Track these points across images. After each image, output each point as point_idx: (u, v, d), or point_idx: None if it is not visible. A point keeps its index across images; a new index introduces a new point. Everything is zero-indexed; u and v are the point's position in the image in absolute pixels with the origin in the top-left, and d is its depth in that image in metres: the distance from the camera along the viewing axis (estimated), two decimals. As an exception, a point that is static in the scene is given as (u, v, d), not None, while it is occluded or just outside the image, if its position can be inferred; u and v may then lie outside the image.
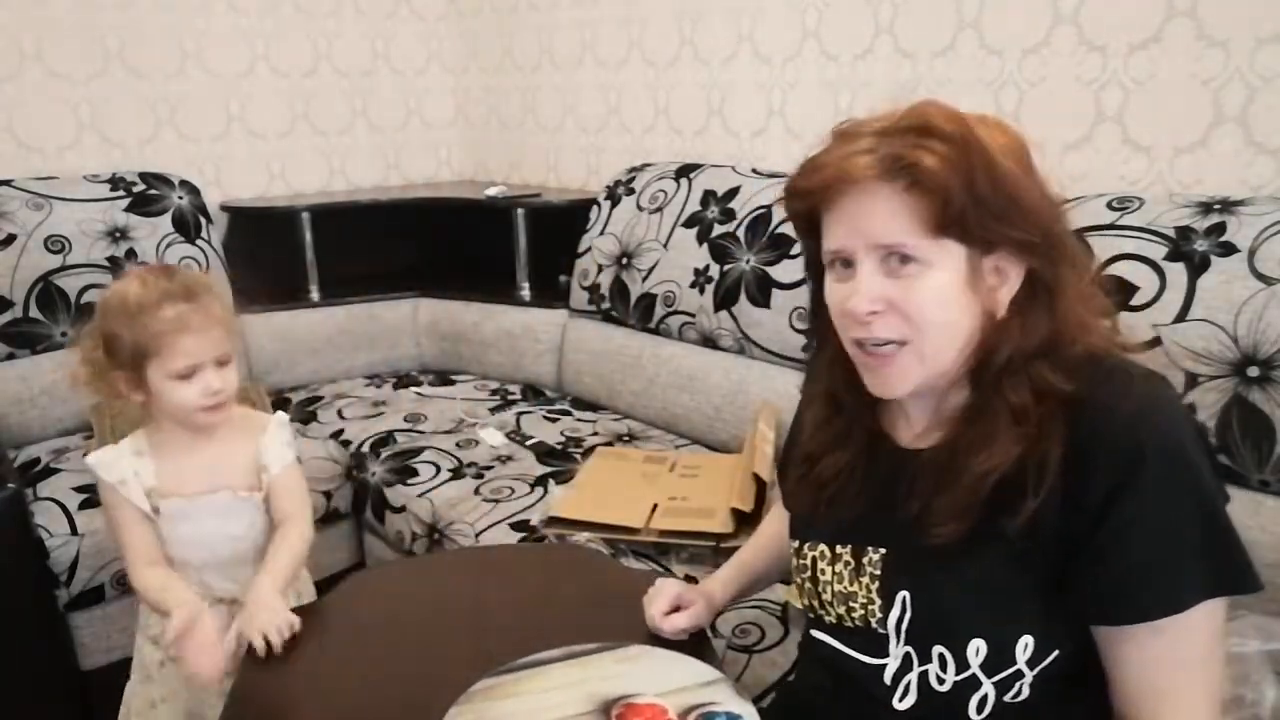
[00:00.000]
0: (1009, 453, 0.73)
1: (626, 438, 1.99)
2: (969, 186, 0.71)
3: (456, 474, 1.83)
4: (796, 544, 0.91)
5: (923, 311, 0.74)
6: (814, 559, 0.88)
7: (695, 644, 1.01)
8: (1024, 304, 0.75)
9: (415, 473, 1.85)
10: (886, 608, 0.80)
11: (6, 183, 2.07)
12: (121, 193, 2.19)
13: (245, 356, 2.33)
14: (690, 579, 1.40)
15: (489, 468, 1.84)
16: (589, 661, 0.95)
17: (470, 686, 0.90)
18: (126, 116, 2.37)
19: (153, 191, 2.24)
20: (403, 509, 1.79)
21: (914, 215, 0.72)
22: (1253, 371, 1.17)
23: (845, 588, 0.84)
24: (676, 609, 1.03)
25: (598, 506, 1.57)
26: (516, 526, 1.60)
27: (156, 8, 2.37)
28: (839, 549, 0.85)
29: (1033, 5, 1.61)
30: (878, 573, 0.81)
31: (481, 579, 1.24)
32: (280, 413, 1.35)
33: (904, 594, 0.79)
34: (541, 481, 1.76)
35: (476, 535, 1.61)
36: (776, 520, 1.13)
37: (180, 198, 2.28)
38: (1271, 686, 0.94)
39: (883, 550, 0.82)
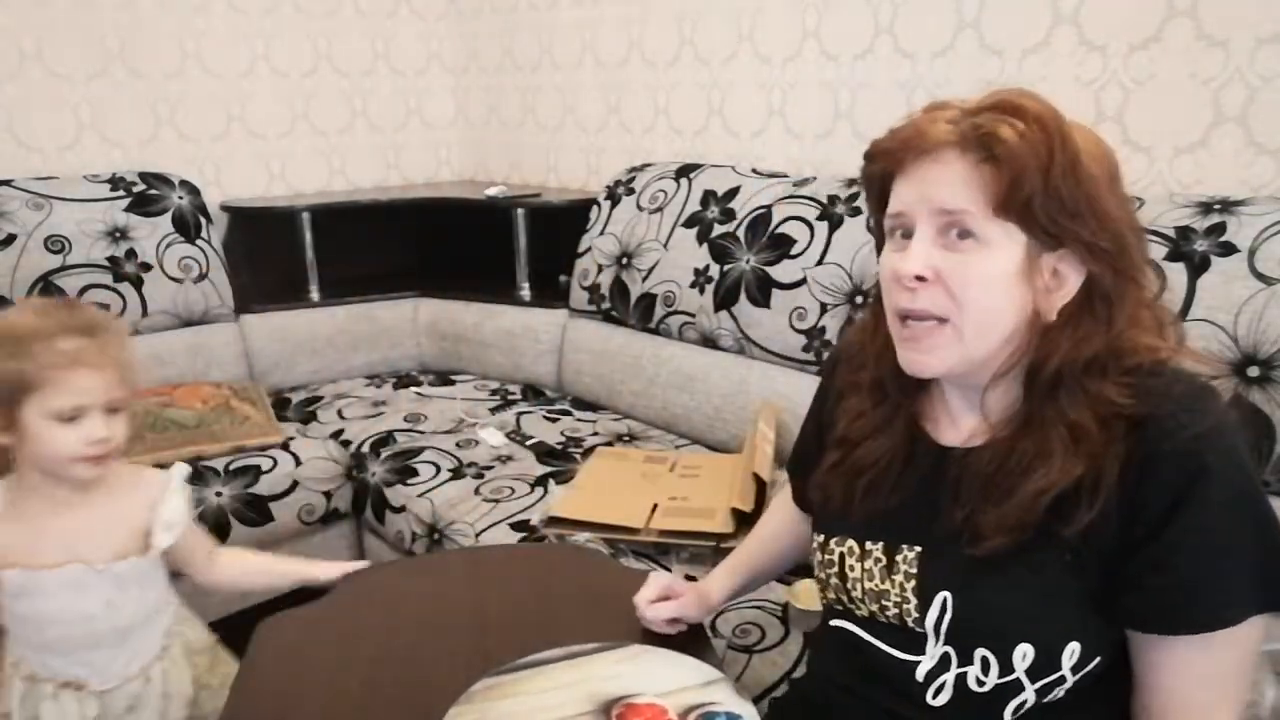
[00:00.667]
0: (1068, 473, 0.71)
1: (626, 438, 1.99)
2: (1045, 172, 0.70)
3: (456, 474, 1.83)
4: (821, 538, 0.89)
5: (968, 289, 0.73)
6: (841, 555, 0.86)
7: (695, 644, 1.01)
8: (1077, 313, 0.73)
9: (415, 473, 1.85)
10: (924, 607, 0.79)
11: (6, 183, 2.07)
12: (121, 193, 2.19)
13: (245, 357, 2.34)
14: (690, 579, 1.40)
15: (489, 468, 1.84)
16: (589, 661, 0.95)
17: (470, 686, 0.90)
18: (126, 116, 2.37)
19: (153, 191, 2.24)
20: (403, 509, 1.79)
21: (983, 188, 0.71)
22: (1253, 371, 1.17)
23: (877, 585, 0.83)
24: (666, 599, 1.02)
25: (598, 506, 1.57)
26: (516, 526, 1.60)
27: (156, 8, 2.37)
28: (869, 545, 0.84)
29: (1033, 5, 1.61)
30: (913, 571, 0.80)
31: (481, 579, 1.23)
32: (180, 464, 1.21)
33: (945, 595, 0.77)
34: (541, 481, 1.76)
35: (476, 535, 1.61)
36: (774, 519, 1.13)
37: (180, 198, 2.28)
38: (1271, 686, 0.94)
39: (918, 549, 0.81)
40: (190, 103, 2.47)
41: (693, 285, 1.98)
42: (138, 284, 2.15)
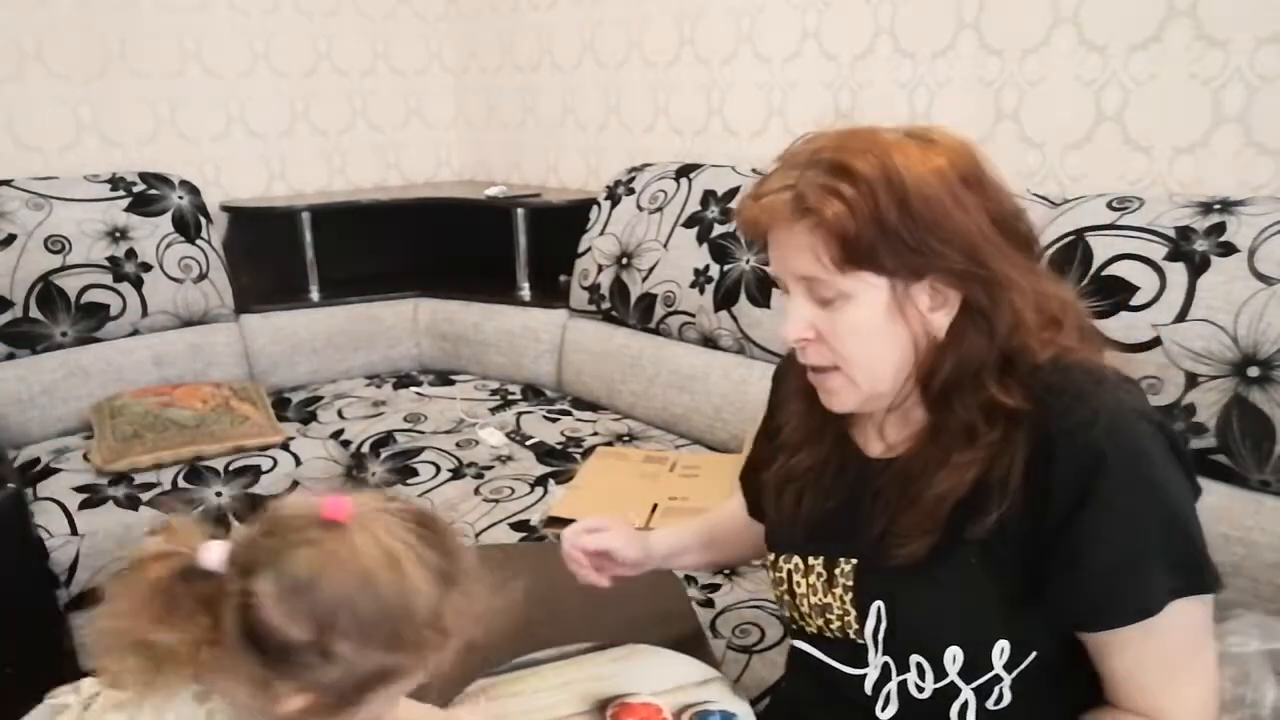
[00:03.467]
0: (963, 476, 0.74)
1: (626, 438, 1.99)
2: (878, 222, 0.71)
3: (456, 474, 1.83)
4: (772, 557, 0.91)
5: (845, 343, 0.76)
6: (789, 571, 0.88)
7: (691, 643, 1.01)
8: (962, 326, 0.75)
9: (415, 473, 1.85)
10: (862, 619, 0.80)
11: (6, 183, 2.07)
12: (121, 193, 2.19)
13: (245, 357, 2.34)
14: (689, 579, 1.40)
15: (489, 468, 1.84)
16: (584, 661, 0.95)
17: (466, 687, 0.90)
18: (126, 116, 2.38)
19: (153, 191, 2.24)
20: (402, 509, 1.79)
21: (823, 251, 0.73)
22: (1253, 371, 1.17)
23: (820, 599, 0.84)
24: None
25: (598, 506, 1.56)
26: (516, 526, 1.60)
27: (156, 8, 2.37)
28: (811, 560, 0.86)
29: (1033, 5, 1.61)
30: (850, 584, 0.82)
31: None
32: None
33: (878, 604, 0.79)
34: (541, 481, 1.76)
35: (476, 535, 1.61)
36: (730, 512, 1.13)
37: (180, 198, 2.28)
38: (1272, 686, 0.94)
39: (854, 561, 0.82)
40: (190, 103, 2.48)
41: (693, 285, 1.98)
42: (138, 284, 2.15)
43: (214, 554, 0.62)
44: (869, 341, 0.76)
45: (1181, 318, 1.23)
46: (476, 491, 1.74)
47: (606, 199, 2.26)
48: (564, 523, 1.53)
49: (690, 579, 1.40)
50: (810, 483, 0.87)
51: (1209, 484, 1.22)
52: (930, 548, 0.75)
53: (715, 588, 1.39)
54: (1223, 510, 1.19)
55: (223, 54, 2.51)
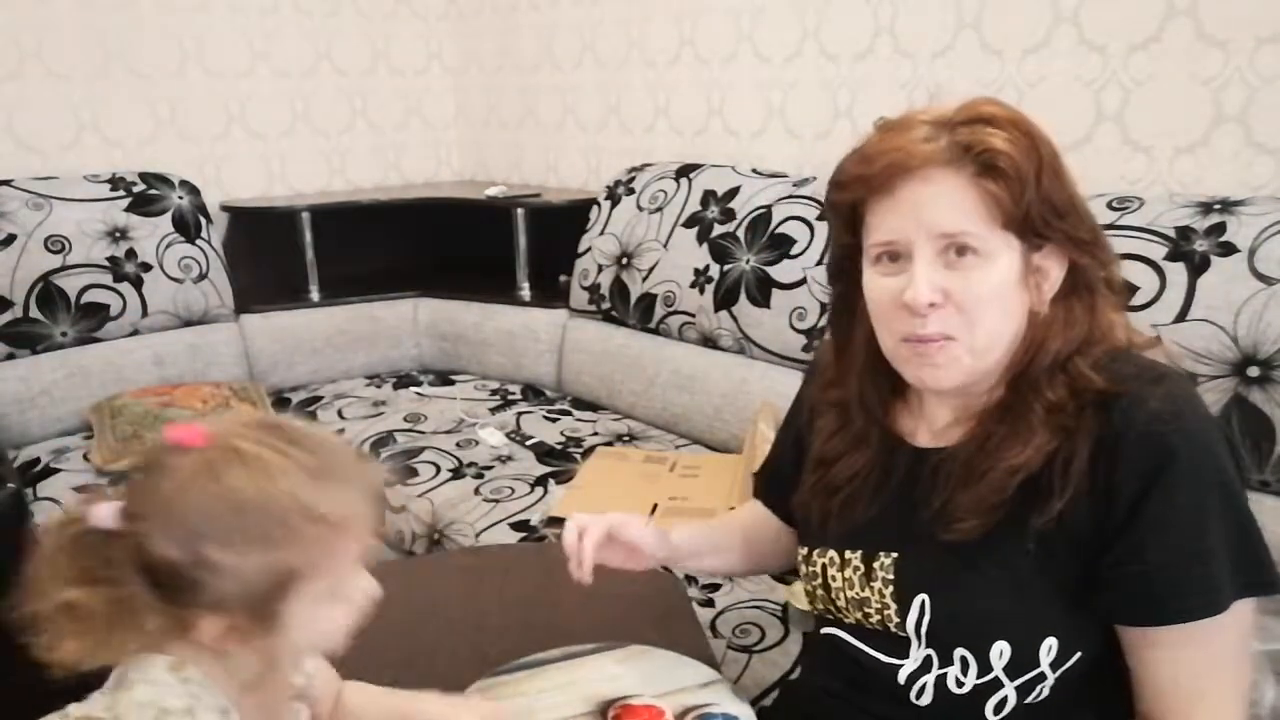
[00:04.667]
0: (1041, 449, 0.72)
1: (626, 438, 1.99)
2: (1037, 178, 0.71)
3: (456, 474, 1.83)
4: (805, 550, 0.90)
5: (980, 305, 0.72)
6: (824, 565, 0.86)
7: (692, 645, 1.01)
8: (1065, 302, 0.75)
9: (415, 473, 1.85)
10: (903, 611, 0.79)
11: (6, 183, 2.07)
12: (121, 193, 2.19)
13: (245, 357, 2.34)
14: (689, 579, 1.40)
15: (489, 468, 1.84)
16: (587, 662, 0.95)
17: (468, 687, 0.90)
18: (126, 116, 2.37)
19: (153, 191, 2.24)
20: (403, 509, 1.79)
21: (983, 204, 0.71)
22: (1253, 371, 1.17)
23: (857, 593, 0.83)
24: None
25: (598, 506, 1.55)
26: (516, 526, 1.60)
27: (156, 8, 2.37)
28: (848, 554, 0.84)
29: (1033, 5, 1.61)
30: (890, 577, 0.80)
31: (481, 579, 1.23)
32: None
33: (923, 597, 0.78)
34: (541, 481, 1.76)
35: (476, 535, 1.61)
36: (748, 518, 1.08)
37: (180, 198, 2.28)
38: (1272, 686, 0.94)
39: (895, 555, 0.81)
40: (190, 103, 2.47)
41: (693, 285, 1.98)
42: (138, 284, 2.15)
43: (103, 512, 0.64)
44: (1002, 306, 0.73)
45: (1181, 318, 1.23)
46: (476, 491, 1.74)
47: (606, 199, 2.26)
48: (564, 523, 1.54)
49: (690, 579, 1.40)
50: (856, 490, 0.85)
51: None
52: (988, 528, 0.73)
53: (715, 588, 1.39)
54: (1223, 510, 1.19)
55: (223, 54, 2.50)
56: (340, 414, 2.18)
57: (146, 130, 2.42)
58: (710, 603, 1.34)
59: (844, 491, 0.86)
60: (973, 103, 0.74)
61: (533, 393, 2.32)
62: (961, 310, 0.73)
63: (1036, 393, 0.74)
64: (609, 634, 0.99)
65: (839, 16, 1.93)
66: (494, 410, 2.17)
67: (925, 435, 0.84)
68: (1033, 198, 0.71)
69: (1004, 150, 0.70)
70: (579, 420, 2.10)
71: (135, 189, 2.21)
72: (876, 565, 0.82)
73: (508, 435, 2.01)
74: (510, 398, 2.27)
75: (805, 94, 2.04)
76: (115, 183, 2.20)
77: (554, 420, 2.10)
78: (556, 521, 1.55)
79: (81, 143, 2.31)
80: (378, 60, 2.82)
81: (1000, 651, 0.73)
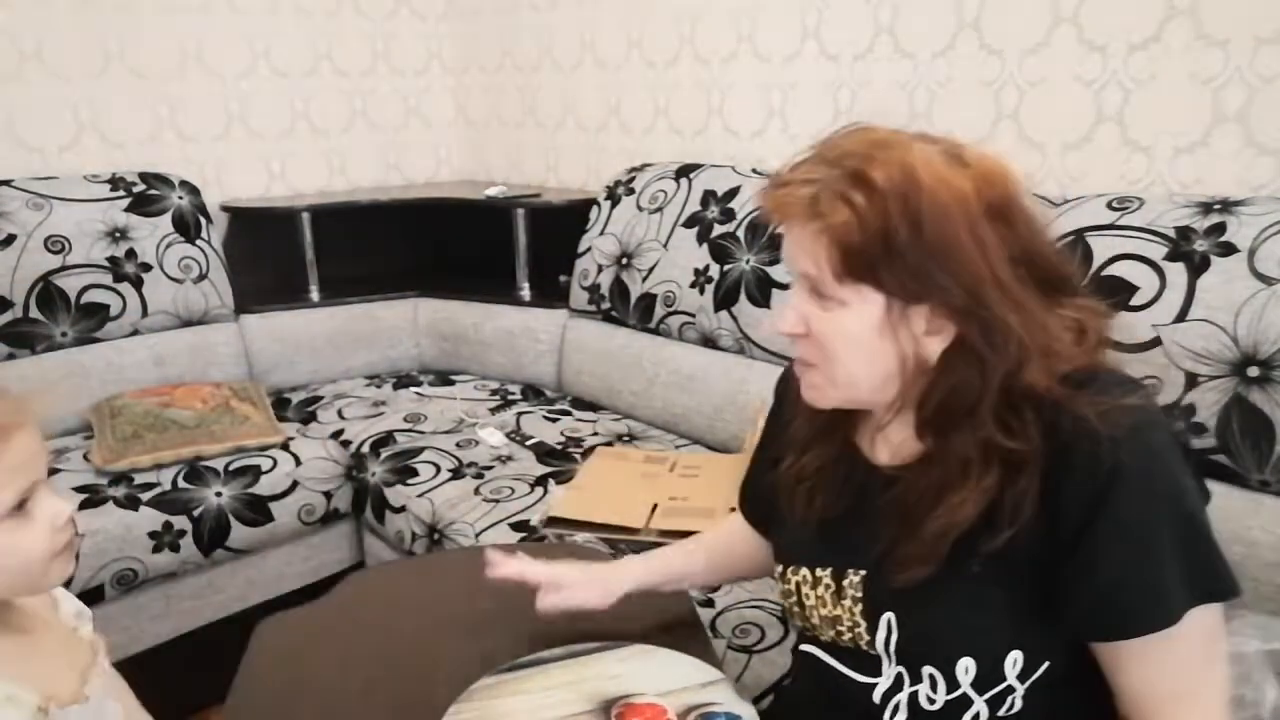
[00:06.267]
0: (959, 514, 0.73)
1: (626, 438, 1.99)
2: (885, 239, 0.70)
3: (456, 474, 1.83)
4: (781, 569, 0.91)
5: (831, 344, 0.77)
6: (798, 584, 0.88)
7: (695, 644, 1.01)
8: (955, 358, 0.74)
9: (415, 473, 1.85)
10: (873, 629, 0.80)
11: (6, 183, 2.07)
12: (121, 193, 2.19)
13: (245, 357, 2.34)
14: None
15: (489, 468, 1.84)
16: (589, 661, 0.95)
17: (468, 687, 0.90)
18: (126, 116, 2.37)
19: (153, 191, 2.24)
20: (403, 509, 1.79)
21: (825, 257, 0.74)
22: (1253, 371, 1.17)
23: (830, 611, 0.84)
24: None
25: (598, 506, 1.57)
26: (516, 526, 1.60)
27: (156, 8, 2.36)
28: (819, 572, 0.85)
29: (1033, 5, 1.61)
30: (859, 595, 0.81)
31: (481, 579, 1.23)
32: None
33: (889, 615, 0.78)
34: (541, 481, 1.76)
35: (476, 535, 1.61)
36: (727, 532, 1.11)
37: (180, 198, 2.28)
38: (1272, 687, 0.94)
39: (863, 572, 0.82)
40: (190, 103, 2.47)
41: (693, 285, 1.98)
42: (138, 284, 2.15)
43: None
44: (854, 351, 0.76)
45: (1181, 318, 1.23)
46: (476, 491, 1.74)
47: (606, 199, 2.26)
48: (564, 523, 1.54)
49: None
50: (821, 483, 0.87)
51: (1209, 484, 1.22)
52: (930, 574, 0.75)
53: (715, 588, 1.39)
54: (1223, 510, 1.19)
55: (223, 54, 2.50)
56: (340, 414, 2.18)
57: (146, 130, 2.41)
58: (710, 603, 1.35)
59: (809, 482, 0.88)
60: (871, 146, 0.74)
61: (533, 393, 2.32)
62: (819, 346, 0.78)
63: (948, 445, 0.74)
64: (610, 633, 0.99)
65: (839, 16, 1.93)
66: (494, 410, 2.18)
67: (883, 451, 0.85)
68: (877, 256, 0.71)
69: (835, 219, 0.72)
70: (579, 420, 2.10)
71: (135, 189, 2.21)
72: (846, 583, 0.82)
73: (508, 435, 2.01)
74: (510, 398, 2.27)
75: (805, 94, 2.04)
76: (115, 183, 2.20)
77: (554, 420, 2.10)
78: (556, 521, 1.55)
79: (81, 143, 2.31)
80: (378, 60, 2.82)
81: (966, 668, 0.74)
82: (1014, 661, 0.73)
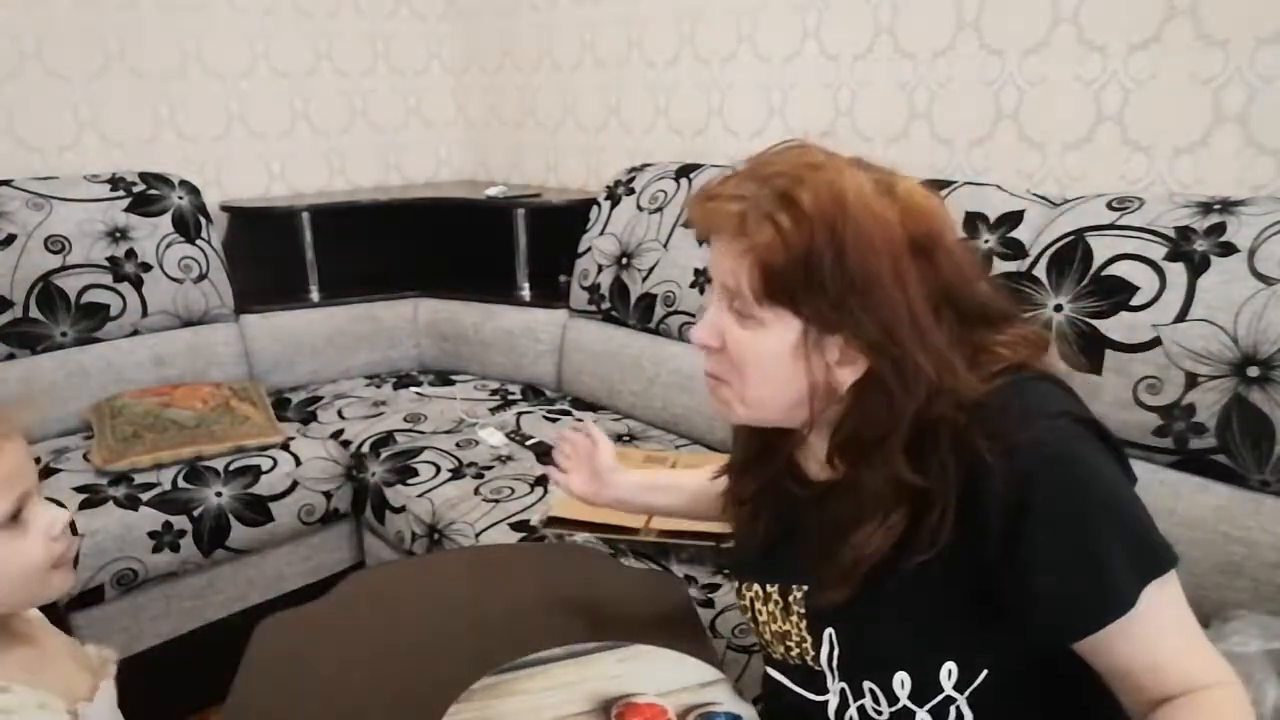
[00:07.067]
0: (872, 544, 0.72)
1: (626, 438, 1.99)
2: (808, 265, 0.70)
3: (456, 474, 1.83)
4: (737, 585, 0.92)
5: (744, 362, 0.77)
6: (751, 599, 0.88)
7: (695, 644, 1.01)
8: (864, 390, 0.74)
9: (415, 473, 1.85)
10: (817, 645, 0.80)
11: (6, 183, 2.07)
12: (121, 193, 2.19)
13: (245, 356, 2.34)
14: (689, 579, 1.40)
15: (489, 468, 1.85)
16: (589, 661, 0.95)
17: (469, 687, 0.90)
18: (126, 116, 2.37)
19: (153, 191, 2.24)
20: (403, 509, 1.79)
21: (745, 276, 0.74)
22: (1253, 371, 1.17)
23: (780, 627, 0.84)
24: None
25: (597, 507, 1.56)
26: (516, 526, 1.60)
27: (156, 8, 2.37)
28: (769, 588, 0.86)
29: (1033, 5, 1.61)
30: (803, 611, 0.81)
31: (481, 579, 1.24)
32: None
33: (830, 630, 0.79)
34: (541, 481, 1.76)
35: (476, 535, 1.61)
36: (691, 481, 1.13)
37: (180, 198, 2.28)
38: (1273, 687, 0.94)
39: (805, 588, 0.82)
40: (190, 103, 2.47)
41: (693, 285, 1.98)
42: (138, 284, 2.15)
43: None
44: (766, 371, 0.76)
45: (1181, 318, 1.23)
46: (476, 491, 1.74)
47: (606, 199, 2.26)
48: (564, 523, 1.54)
49: (690, 579, 1.40)
50: (764, 502, 0.88)
51: (1209, 484, 1.22)
52: (849, 596, 0.75)
53: (715, 588, 1.39)
54: (1223, 510, 1.19)
55: (223, 54, 2.50)
56: (340, 414, 2.18)
57: (146, 130, 2.41)
58: (710, 603, 1.35)
59: (749, 505, 0.89)
60: (796, 165, 0.74)
61: (533, 393, 2.32)
62: (732, 362, 0.78)
63: (860, 475, 0.74)
64: (610, 633, 0.99)
65: (839, 16, 1.93)
66: (494, 410, 2.18)
67: (814, 465, 0.85)
68: (797, 281, 0.71)
69: (759, 239, 0.71)
70: (579, 420, 2.10)
71: (135, 189, 2.21)
72: (791, 599, 0.83)
73: (508, 435, 2.01)
74: (510, 398, 2.27)
75: (805, 94, 2.04)
76: (115, 183, 2.20)
77: (554, 420, 2.10)
78: (556, 521, 1.55)
79: (81, 143, 2.31)
80: (377, 60, 2.82)
81: (901, 681, 0.74)
82: (948, 673, 0.73)
